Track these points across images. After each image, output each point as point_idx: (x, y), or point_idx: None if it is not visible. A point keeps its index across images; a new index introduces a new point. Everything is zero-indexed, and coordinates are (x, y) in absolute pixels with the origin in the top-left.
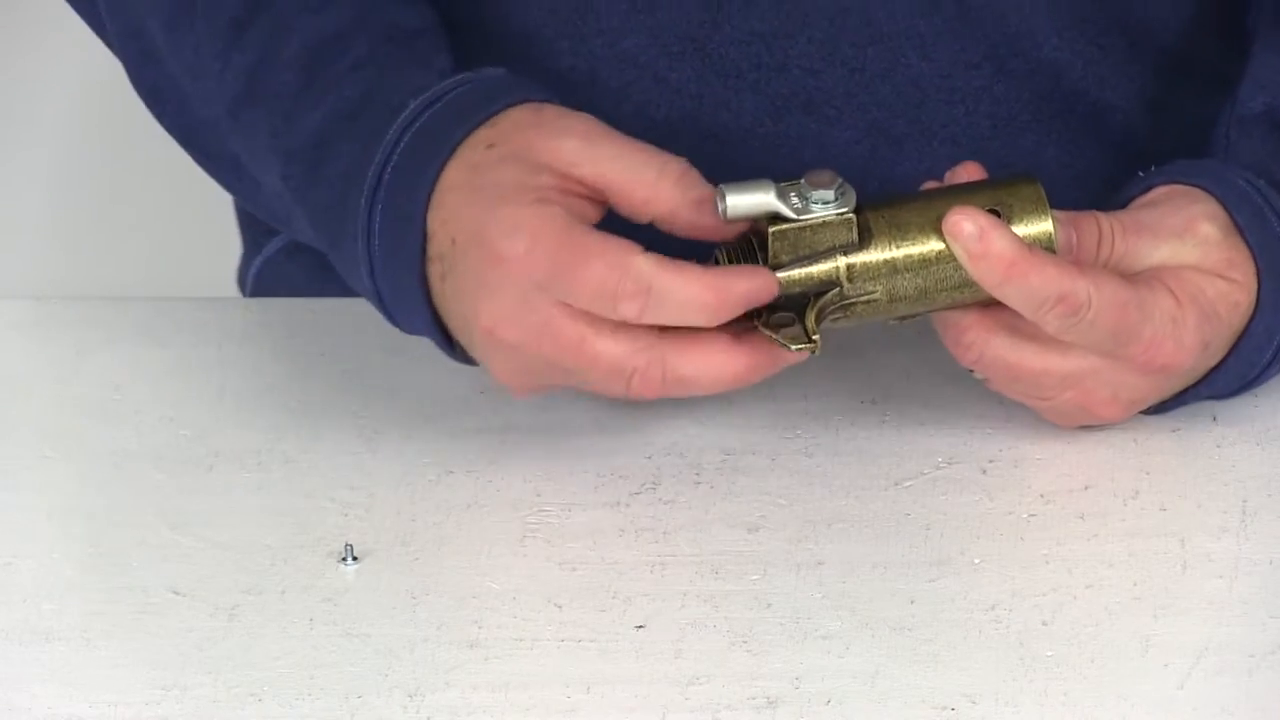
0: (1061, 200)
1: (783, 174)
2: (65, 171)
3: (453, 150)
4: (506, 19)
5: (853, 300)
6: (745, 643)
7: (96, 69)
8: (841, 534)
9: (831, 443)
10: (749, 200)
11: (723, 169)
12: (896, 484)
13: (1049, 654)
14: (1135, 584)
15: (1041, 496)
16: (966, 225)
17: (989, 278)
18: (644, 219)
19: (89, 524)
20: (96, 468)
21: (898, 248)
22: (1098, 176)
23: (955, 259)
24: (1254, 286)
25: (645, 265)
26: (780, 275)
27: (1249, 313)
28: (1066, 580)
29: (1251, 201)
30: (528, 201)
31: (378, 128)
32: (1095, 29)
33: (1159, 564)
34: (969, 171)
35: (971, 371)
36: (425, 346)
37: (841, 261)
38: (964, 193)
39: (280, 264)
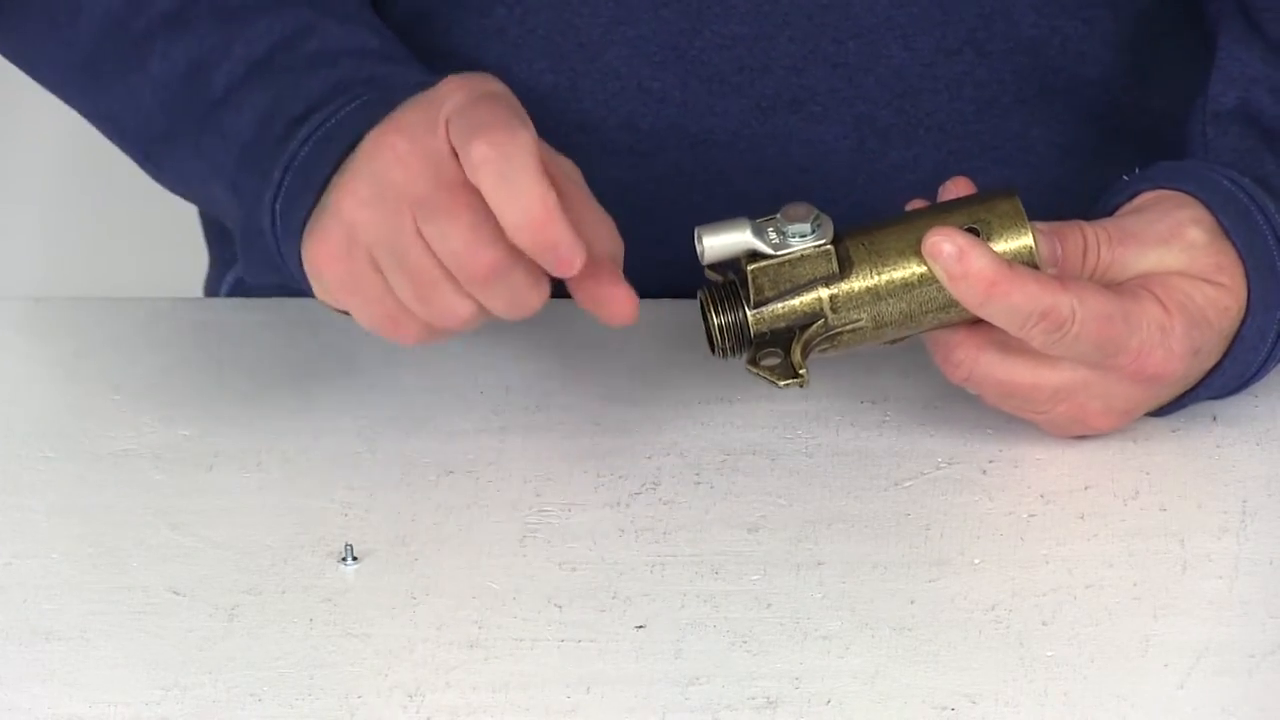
0: (1051, 178)
1: (772, 175)
2: (65, 172)
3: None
4: (482, 44)
5: (838, 330)
6: (745, 643)
7: None
8: (841, 534)
9: (831, 443)
10: (726, 240)
11: (712, 173)
12: (896, 484)
13: (1049, 654)
14: (1135, 584)
15: (1041, 496)
16: (945, 246)
17: (970, 297)
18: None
19: (89, 524)
20: (96, 468)
21: (879, 274)
22: (1085, 152)
23: (938, 280)
24: (1243, 289)
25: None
26: (764, 310)
27: (1239, 316)
28: (1066, 580)
29: (1237, 202)
30: (428, 128)
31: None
32: (1074, 3)
33: (1159, 564)
34: (958, 186)
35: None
36: (425, 347)
37: (824, 292)
38: (941, 212)
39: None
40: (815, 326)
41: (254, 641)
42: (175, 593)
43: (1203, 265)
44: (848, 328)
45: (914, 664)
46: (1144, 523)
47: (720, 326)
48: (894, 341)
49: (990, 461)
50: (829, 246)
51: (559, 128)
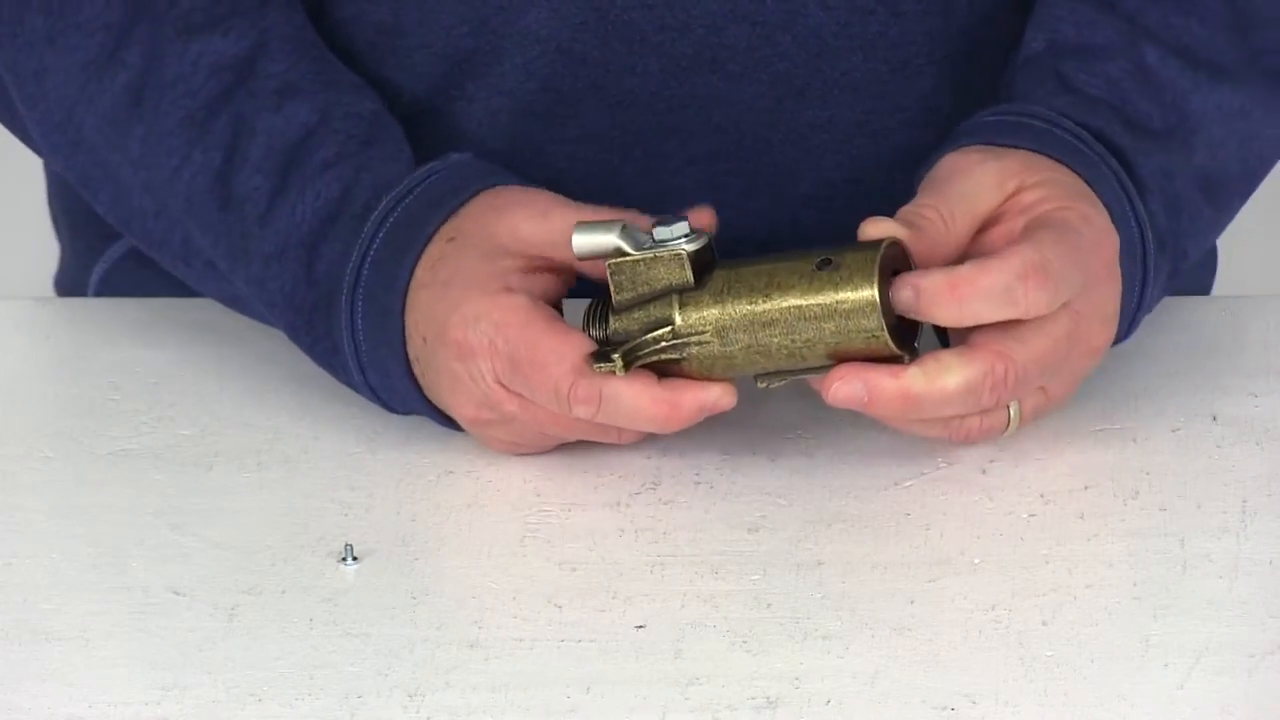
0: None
1: (691, 135)
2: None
3: (422, 247)
4: (401, 9)
5: (685, 339)
6: (745, 643)
7: None
8: (841, 534)
9: (831, 443)
10: (593, 239)
11: (630, 135)
12: (896, 484)
13: (1049, 654)
14: (1135, 584)
15: (1041, 496)
16: (845, 391)
17: (900, 423)
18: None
19: (89, 524)
20: (96, 468)
21: (729, 287)
22: None
23: (782, 312)
24: (1068, 171)
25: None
26: (623, 314)
27: (1094, 199)
28: (1066, 580)
29: (1003, 122)
30: (491, 290)
31: (355, 227)
32: None
33: (1159, 564)
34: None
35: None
36: None
37: (675, 297)
38: (805, 254)
39: (131, 270)
40: (663, 331)
41: (254, 641)
42: (175, 593)
43: (1009, 165)
44: (694, 338)
45: (914, 664)
46: (1144, 523)
47: (586, 310)
48: (765, 380)
49: (990, 461)
50: (681, 251)
51: (479, 92)
